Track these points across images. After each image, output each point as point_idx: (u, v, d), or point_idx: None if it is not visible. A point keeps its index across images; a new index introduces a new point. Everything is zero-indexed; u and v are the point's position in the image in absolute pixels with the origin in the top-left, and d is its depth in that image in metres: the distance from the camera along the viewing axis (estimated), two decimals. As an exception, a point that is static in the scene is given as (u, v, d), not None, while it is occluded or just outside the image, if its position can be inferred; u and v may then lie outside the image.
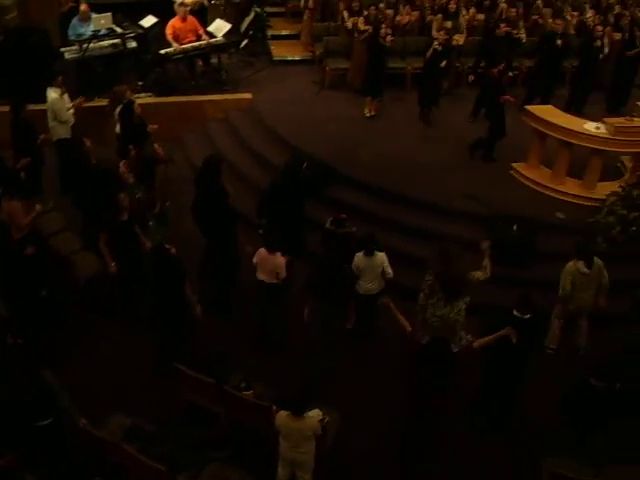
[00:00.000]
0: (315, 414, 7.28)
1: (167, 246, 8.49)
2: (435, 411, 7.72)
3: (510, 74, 12.32)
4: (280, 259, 8.92)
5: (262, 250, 8.97)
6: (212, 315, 9.35)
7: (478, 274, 8.35)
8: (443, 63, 12.89)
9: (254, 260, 9.04)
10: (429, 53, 12.85)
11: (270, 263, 8.92)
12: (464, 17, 14.19)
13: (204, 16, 14.54)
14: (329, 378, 8.73)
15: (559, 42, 13.25)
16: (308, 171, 11.27)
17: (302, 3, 15.07)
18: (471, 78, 13.06)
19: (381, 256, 9.08)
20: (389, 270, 9.10)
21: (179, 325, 8.59)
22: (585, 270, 9.04)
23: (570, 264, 9.14)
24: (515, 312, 7.90)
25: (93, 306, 9.57)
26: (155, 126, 11.13)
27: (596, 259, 9.18)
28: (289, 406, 6.94)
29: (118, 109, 11.30)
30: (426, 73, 13.15)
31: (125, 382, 8.57)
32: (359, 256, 9.05)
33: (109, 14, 13.60)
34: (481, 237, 9.33)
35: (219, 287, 9.72)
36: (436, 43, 12.76)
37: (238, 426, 7.83)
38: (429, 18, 14.11)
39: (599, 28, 13.40)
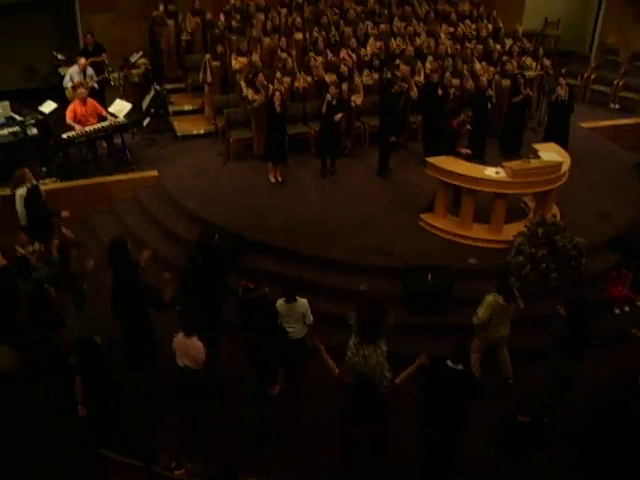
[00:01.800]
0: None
1: (94, 338, 8.33)
2: (370, 452, 7.71)
3: (468, 126, 12.67)
4: (198, 343, 8.77)
5: (180, 335, 8.85)
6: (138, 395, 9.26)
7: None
8: (338, 116, 13.25)
9: (173, 346, 8.93)
10: (324, 108, 13.26)
11: (188, 348, 8.79)
12: (359, 78, 14.55)
13: (100, 97, 14.57)
14: (260, 442, 8.70)
15: (439, 92, 13.76)
16: (220, 242, 11.28)
17: (201, 77, 15.23)
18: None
19: (303, 302, 9.21)
20: (310, 316, 9.24)
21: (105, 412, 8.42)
22: (504, 303, 9.29)
23: (490, 297, 9.37)
24: (448, 362, 7.97)
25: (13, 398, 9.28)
26: (67, 212, 11.20)
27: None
28: None
29: (18, 192, 11.16)
30: (323, 127, 13.54)
31: (53, 474, 8.32)
32: (280, 302, 9.17)
33: (6, 102, 13.58)
34: (397, 290, 9.46)
35: (140, 368, 9.56)
36: (329, 96, 13.16)
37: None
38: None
39: (483, 79, 13.95)
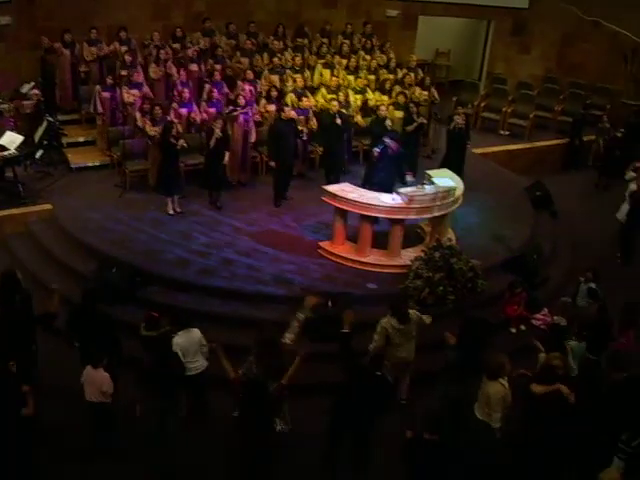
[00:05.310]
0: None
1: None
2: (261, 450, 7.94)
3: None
4: (105, 374, 8.66)
5: (88, 368, 8.70)
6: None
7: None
8: (227, 158, 13.47)
9: (81, 381, 8.73)
10: (212, 142, 13.17)
11: (95, 379, 8.64)
12: (262, 105, 14.69)
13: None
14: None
15: (339, 121, 13.94)
16: (118, 275, 11.10)
17: (92, 108, 15.02)
18: None
19: (196, 331, 9.13)
20: (205, 345, 9.15)
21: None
22: (399, 326, 9.43)
23: (385, 320, 9.50)
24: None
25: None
26: None
27: (412, 312, 9.64)
28: None
29: None
30: (209, 161, 13.54)
31: None
32: (178, 338, 9.00)
33: None
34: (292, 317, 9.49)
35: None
36: (217, 131, 13.11)
37: None
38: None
39: (383, 108, 14.19)
